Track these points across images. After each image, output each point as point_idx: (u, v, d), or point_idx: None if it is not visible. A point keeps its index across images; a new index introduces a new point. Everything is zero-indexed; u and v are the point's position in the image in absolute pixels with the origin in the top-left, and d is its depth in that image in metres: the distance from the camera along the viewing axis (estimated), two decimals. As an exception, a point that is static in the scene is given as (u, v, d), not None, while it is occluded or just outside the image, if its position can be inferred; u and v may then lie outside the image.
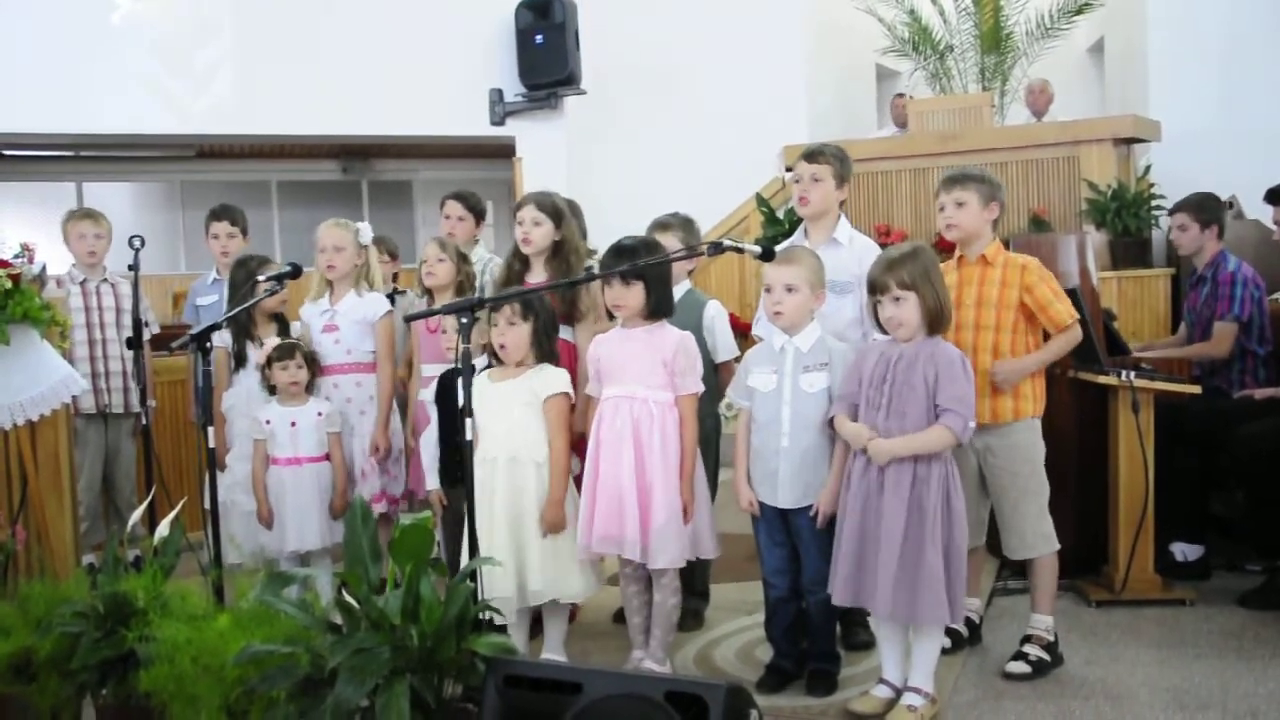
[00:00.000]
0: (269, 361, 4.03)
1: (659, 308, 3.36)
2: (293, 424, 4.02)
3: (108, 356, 4.80)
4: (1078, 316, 3.48)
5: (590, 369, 3.47)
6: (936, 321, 3.09)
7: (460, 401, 2.89)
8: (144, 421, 4.53)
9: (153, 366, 5.09)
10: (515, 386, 3.40)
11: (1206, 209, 4.79)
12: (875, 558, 3.04)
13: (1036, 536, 3.46)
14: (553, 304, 3.57)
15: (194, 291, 5.12)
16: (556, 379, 3.41)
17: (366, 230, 4.27)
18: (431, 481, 3.79)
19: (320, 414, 4.05)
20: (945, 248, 5.88)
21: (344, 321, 4.19)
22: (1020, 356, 3.44)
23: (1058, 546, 3.49)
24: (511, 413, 3.37)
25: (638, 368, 3.32)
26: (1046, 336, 3.49)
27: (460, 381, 2.89)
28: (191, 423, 5.23)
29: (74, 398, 4.56)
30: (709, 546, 3.44)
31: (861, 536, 3.08)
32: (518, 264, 3.92)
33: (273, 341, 4.10)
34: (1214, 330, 4.61)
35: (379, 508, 4.09)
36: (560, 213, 3.88)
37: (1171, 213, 4.96)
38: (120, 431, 4.89)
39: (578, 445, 3.52)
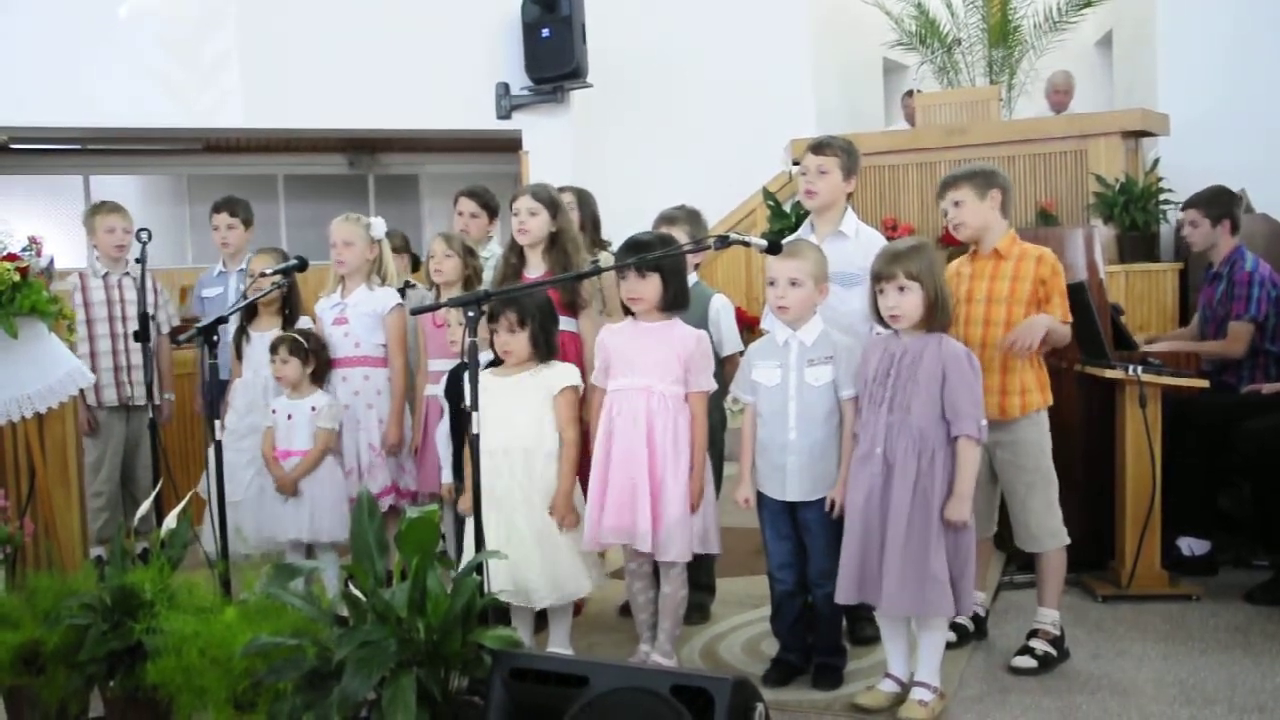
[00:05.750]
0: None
1: (676, 300, 3.37)
2: (289, 416, 4.04)
3: (130, 350, 4.82)
4: (1070, 320, 3.49)
5: (598, 358, 3.47)
6: (935, 316, 3.09)
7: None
8: (150, 415, 4.54)
9: (173, 359, 5.12)
10: (525, 381, 3.43)
11: (1218, 204, 4.72)
12: (880, 552, 3.05)
13: (1043, 531, 3.45)
14: (552, 296, 3.57)
15: (200, 284, 5.14)
16: (567, 373, 3.45)
17: (379, 225, 4.27)
18: (446, 476, 3.80)
19: (314, 408, 4.06)
20: (952, 243, 5.87)
21: (353, 314, 4.20)
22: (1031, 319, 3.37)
23: (1066, 542, 3.48)
24: (525, 406, 3.39)
25: (653, 361, 3.33)
26: None
27: (467, 376, 2.89)
28: (199, 414, 5.25)
29: (97, 390, 4.65)
30: (713, 541, 3.44)
31: (866, 532, 3.08)
32: (514, 258, 3.92)
33: (274, 334, 4.14)
34: (1229, 330, 4.57)
35: (388, 500, 4.10)
36: (556, 203, 3.88)
37: (1183, 208, 4.92)
38: (141, 424, 4.90)
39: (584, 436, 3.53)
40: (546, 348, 3.45)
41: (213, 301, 4.92)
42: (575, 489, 3.43)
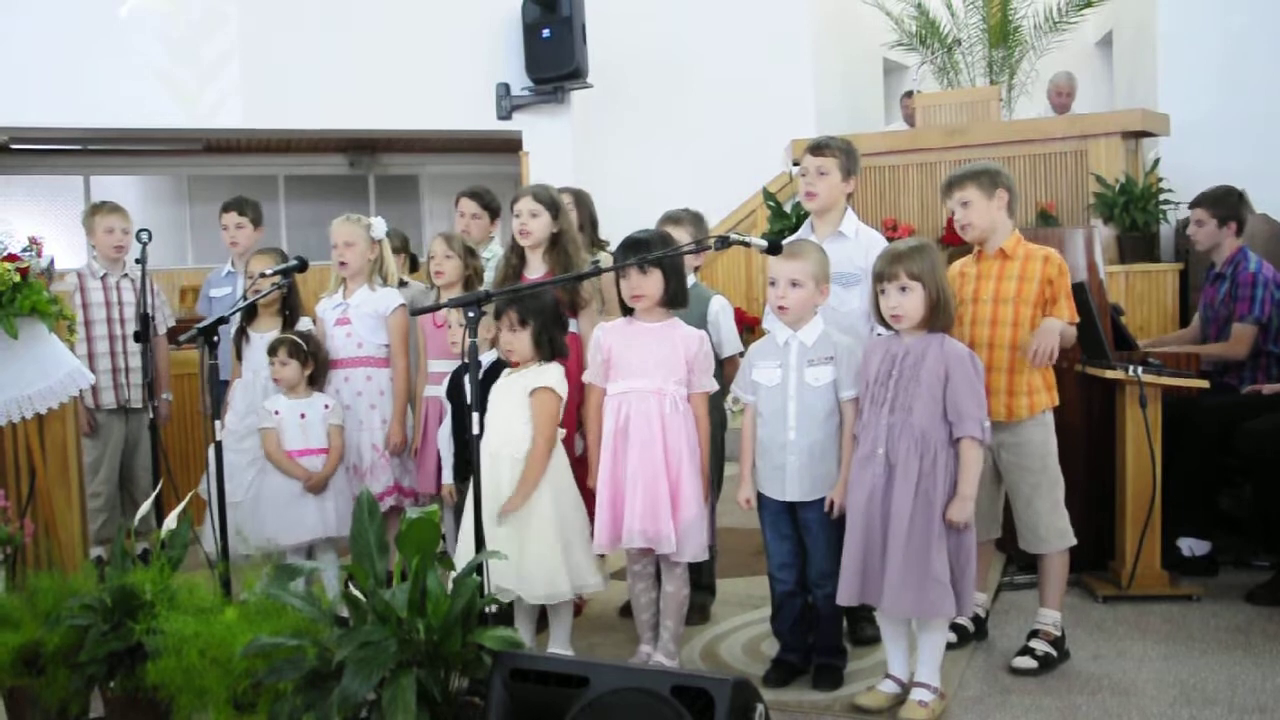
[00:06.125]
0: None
1: (676, 297, 3.38)
2: (302, 416, 4.04)
3: (127, 351, 4.82)
4: (1078, 320, 3.50)
5: (595, 356, 3.46)
6: (936, 316, 3.09)
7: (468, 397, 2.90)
8: (151, 415, 4.54)
9: (169, 360, 5.11)
10: (511, 382, 3.43)
11: (1224, 205, 4.71)
12: (882, 552, 3.05)
13: (1050, 531, 3.45)
14: (556, 295, 3.57)
15: (208, 283, 5.15)
16: (547, 374, 3.40)
17: (379, 225, 4.27)
18: (447, 476, 3.80)
19: (327, 406, 4.07)
20: (953, 242, 5.86)
21: (356, 315, 4.20)
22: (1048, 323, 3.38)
23: (1073, 542, 3.48)
24: (503, 407, 3.39)
25: (655, 362, 3.33)
26: None
27: (468, 376, 2.89)
28: (200, 413, 5.24)
29: (95, 392, 4.65)
30: (710, 533, 3.49)
31: (868, 533, 3.08)
32: (515, 259, 3.92)
33: (273, 335, 4.14)
34: (1232, 331, 4.56)
35: (391, 500, 4.10)
36: (557, 204, 3.89)
37: (1191, 206, 4.92)
38: (139, 425, 4.91)
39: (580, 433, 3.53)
40: (550, 348, 3.43)
41: (220, 301, 4.92)
42: (542, 491, 3.35)
